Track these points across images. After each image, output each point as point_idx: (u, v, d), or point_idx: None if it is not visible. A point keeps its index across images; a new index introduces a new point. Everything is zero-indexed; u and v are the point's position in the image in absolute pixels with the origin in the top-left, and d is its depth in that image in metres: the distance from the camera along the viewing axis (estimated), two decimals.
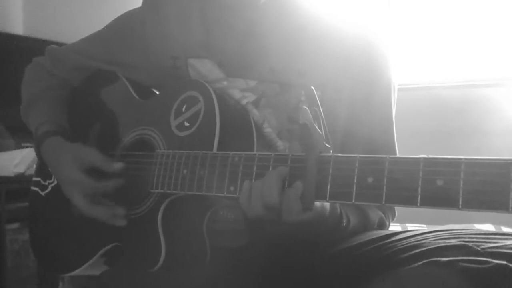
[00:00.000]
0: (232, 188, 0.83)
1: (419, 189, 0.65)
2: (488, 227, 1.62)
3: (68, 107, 1.24)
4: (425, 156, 0.66)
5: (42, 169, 1.21)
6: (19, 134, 2.34)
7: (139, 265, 0.96)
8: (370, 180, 0.69)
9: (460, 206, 0.62)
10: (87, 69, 1.21)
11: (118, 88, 1.15)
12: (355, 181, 0.70)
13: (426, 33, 2.42)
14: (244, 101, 1.01)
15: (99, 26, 1.21)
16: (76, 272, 1.08)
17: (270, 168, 0.80)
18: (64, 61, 1.24)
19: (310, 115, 0.75)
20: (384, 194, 0.68)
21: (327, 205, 0.82)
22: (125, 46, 1.15)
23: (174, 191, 0.92)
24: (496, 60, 2.33)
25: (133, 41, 1.13)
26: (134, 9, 1.16)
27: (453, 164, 0.63)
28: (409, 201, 0.66)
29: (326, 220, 0.83)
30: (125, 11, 1.18)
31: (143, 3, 1.14)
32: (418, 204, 0.65)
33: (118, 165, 1.03)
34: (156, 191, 0.95)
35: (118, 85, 1.15)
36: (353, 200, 0.71)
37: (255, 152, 0.84)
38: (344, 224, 0.89)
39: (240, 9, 1.05)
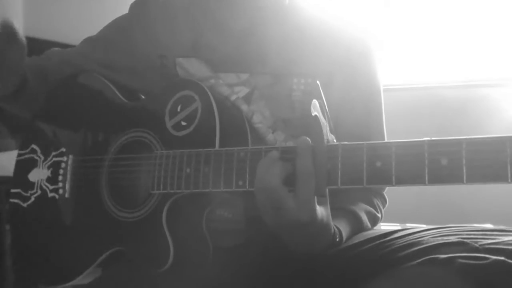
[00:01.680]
0: (240, 183, 0.84)
1: (426, 169, 0.69)
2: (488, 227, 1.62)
3: (52, 113, 1.21)
4: (428, 138, 0.70)
5: (20, 180, 1.19)
6: (19, 134, 2.34)
7: (146, 266, 0.95)
8: (378, 164, 0.73)
9: (464, 181, 0.67)
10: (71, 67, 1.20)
11: (102, 92, 1.14)
12: (364, 166, 0.74)
13: (426, 33, 2.43)
14: (233, 97, 1.02)
15: (99, 26, 1.22)
16: (72, 283, 1.06)
17: None
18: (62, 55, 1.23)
19: (319, 107, 0.78)
20: (393, 176, 0.72)
21: (321, 220, 0.82)
22: (116, 49, 1.15)
23: (178, 191, 0.92)
24: (496, 60, 2.33)
25: (121, 42, 1.14)
26: (123, 14, 1.18)
27: (455, 144, 0.68)
28: (418, 181, 0.70)
29: (318, 226, 0.82)
30: (125, 10, 1.19)
31: (131, 6, 1.16)
32: (427, 183, 0.69)
33: None
34: (158, 192, 0.95)
35: (103, 89, 1.14)
36: (365, 184, 0.74)
37: (261, 146, 0.85)
38: (338, 239, 0.89)
39: (233, 6, 1.06)
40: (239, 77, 1.03)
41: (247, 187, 0.84)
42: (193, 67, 1.06)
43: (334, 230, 0.88)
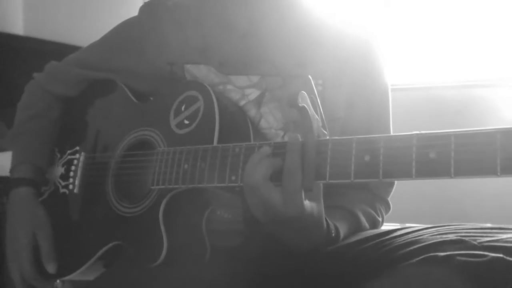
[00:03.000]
0: (233, 178, 0.85)
1: (414, 163, 0.68)
2: None
3: (69, 114, 1.26)
4: (417, 132, 0.69)
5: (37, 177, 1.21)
6: None
7: (140, 261, 0.96)
8: (367, 158, 0.72)
9: (452, 175, 0.66)
10: (87, 81, 1.23)
11: (116, 93, 1.18)
12: (352, 160, 0.73)
13: (425, 33, 2.43)
14: (243, 102, 1.03)
15: (99, 26, 1.22)
16: (73, 275, 1.09)
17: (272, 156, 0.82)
18: (64, 76, 1.25)
19: (308, 99, 0.77)
20: (381, 170, 0.71)
21: (310, 215, 0.82)
22: (124, 53, 1.16)
23: (175, 186, 0.93)
24: (495, 60, 2.34)
25: (131, 47, 1.15)
26: (132, 17, 1.18)
27: (444, 137, 0.67)
28: (405, 174, 0.69)
29: (308, 220, 0.82)
30: (124, 11, 1.19)
31: (141, 10, 1.16)
32: (413, 177, 0.68)
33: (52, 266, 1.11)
34: (157, 187, 0.97)
35: (117, 91, 1.18)
36: (352, 178, 0.73)
37: (255, 142, 0.85)
38: (333, 235, 0.89)
39: (240, 7, 1.06)
40: (250, 80, 1.04)
41: (239, 182, 0.84)
42: (201, 74, 1.07)
43: (329, 226, 0.88)
